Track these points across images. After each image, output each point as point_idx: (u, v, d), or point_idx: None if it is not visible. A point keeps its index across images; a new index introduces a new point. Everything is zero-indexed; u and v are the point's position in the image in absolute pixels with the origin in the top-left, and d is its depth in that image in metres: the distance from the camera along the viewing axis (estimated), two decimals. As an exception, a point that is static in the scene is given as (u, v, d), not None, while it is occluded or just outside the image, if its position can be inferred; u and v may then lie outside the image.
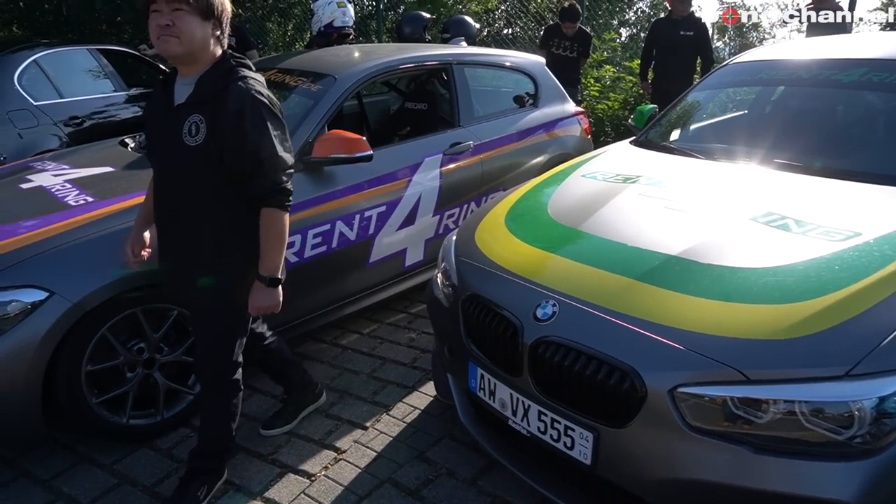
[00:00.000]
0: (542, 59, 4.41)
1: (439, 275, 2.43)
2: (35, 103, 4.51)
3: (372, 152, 2.84)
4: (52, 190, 2.65)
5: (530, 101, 4.16)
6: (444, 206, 3.44)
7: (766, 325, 1.58)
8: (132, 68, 5.90)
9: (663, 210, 2.18)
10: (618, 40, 8.40)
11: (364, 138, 2.83)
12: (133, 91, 5.62)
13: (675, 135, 3.13)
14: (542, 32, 6.26)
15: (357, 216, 3.01)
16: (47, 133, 4.53)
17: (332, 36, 4.13)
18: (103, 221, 2.37)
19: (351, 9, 4.24)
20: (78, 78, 5.03)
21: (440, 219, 3.45)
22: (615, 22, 13.79)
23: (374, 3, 9.04)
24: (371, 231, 3.10)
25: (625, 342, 1.67)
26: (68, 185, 2.69)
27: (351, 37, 4.28)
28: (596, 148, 4.95)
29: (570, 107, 4.45)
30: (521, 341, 1.84)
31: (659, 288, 1.77)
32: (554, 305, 1.83)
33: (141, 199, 2.52)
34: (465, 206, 3.59)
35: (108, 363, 2.31)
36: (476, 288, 2.10)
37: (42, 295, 2.13)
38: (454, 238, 2.48)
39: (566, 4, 6.09)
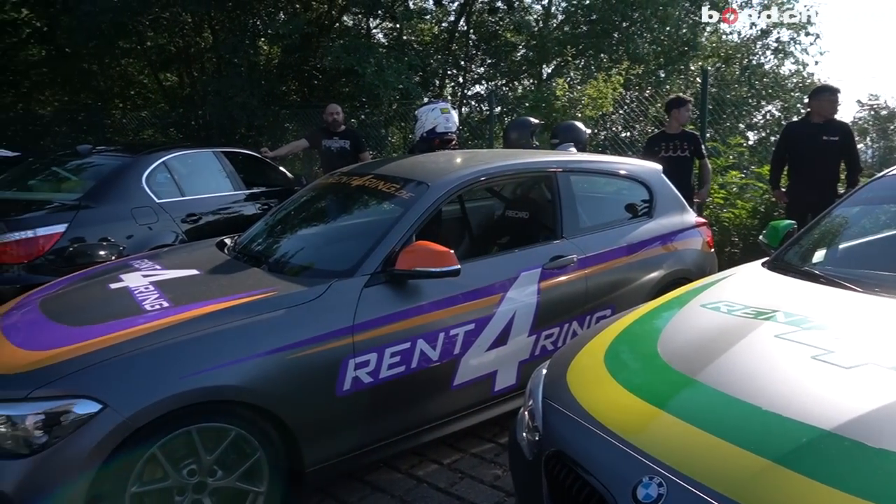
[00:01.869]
0: (659, 167, 4.06)
1: (526, 414, 2.07)
2: (158, 201, 4.76)
3: (459, 267, 2.59)
4: (135, 292, 2.62)
5: (644, 211, 3.80)
6: (541, 326, 3.08)
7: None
8: (255, 169, 6.22)
9: (810, 361, 1.71)
10: (744, 144, 7.83)
11: (452, 252, 2.60)
12: (253, 190, 5.89)
13: (819, 257, 2.63)
14: (644, 146, 5.78)
15: (441, 334, 2.73)
16: (166, 229, 4.74)
17: (434, 141, 4.07)
18: (170, 330, 2.25)
19: (455, 114, 4.19)
20: (200, 178, 5.31)
21: (536, 339, 3.09)
22: (742, 125, 13.19)
23: (489, 109, 9.20)
24: (457, 351, 2.80)
25: (760, 558, 1.21)
26: (151, 288, 2.65)
27: (454, 142, 4.21)
28: (720, 261, 4.49)
29: (691, 217, 4.03)
30: (615, 528, 1.42)
31: (808, 479, 1.31)
32: (660, 485, 1.41)
33: (216, 306, 2.43)
34: (566, 325, 3.21)
35: (156, 485, 2.13)
36: (563, 443, 1.72)
37: (96, 407, 2.02)
38: (544, 372, 2.13)
39: (671, 97, 5.80)
